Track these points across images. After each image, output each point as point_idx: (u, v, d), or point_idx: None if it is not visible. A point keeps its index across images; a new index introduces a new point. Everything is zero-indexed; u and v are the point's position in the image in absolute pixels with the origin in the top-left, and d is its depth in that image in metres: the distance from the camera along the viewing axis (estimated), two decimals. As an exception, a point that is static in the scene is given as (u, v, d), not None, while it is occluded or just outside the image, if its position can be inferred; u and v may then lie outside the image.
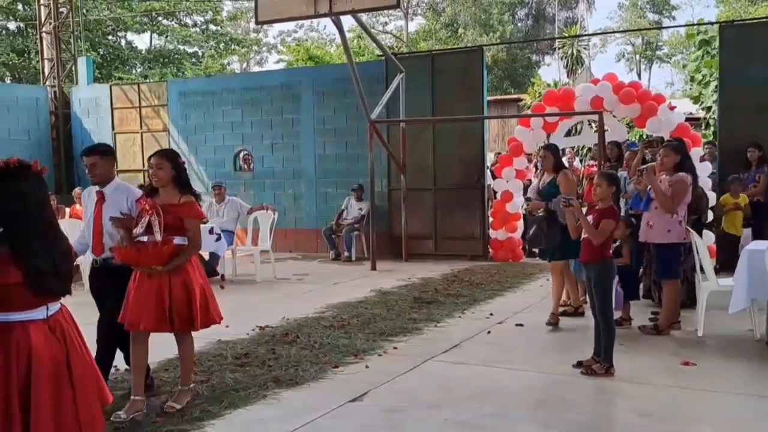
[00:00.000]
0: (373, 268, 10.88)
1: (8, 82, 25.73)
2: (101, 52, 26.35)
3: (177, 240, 4.46)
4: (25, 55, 25.36)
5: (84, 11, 21.86)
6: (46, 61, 16.09)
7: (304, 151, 13.23)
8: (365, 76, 11.18)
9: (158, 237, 4.37)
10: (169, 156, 4.66)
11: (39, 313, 2.82)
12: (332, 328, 6.85)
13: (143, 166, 14.63)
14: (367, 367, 5.57)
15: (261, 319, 7.18)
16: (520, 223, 11.41)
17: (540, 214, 6.88)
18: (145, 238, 4.41)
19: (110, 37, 28.18)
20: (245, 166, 14.12)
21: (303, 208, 13.30)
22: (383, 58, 12.45)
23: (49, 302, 2.86)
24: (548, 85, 23.23)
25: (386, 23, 43.84)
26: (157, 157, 4.62)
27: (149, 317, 4.42)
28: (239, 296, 9.05)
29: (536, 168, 11.28)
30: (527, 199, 7.15)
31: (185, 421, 4.40)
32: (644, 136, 13.17)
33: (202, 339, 6.38)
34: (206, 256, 10.16)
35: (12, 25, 26.92)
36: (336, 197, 12.82)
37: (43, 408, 2.73)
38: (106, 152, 4.88)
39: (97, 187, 4.83)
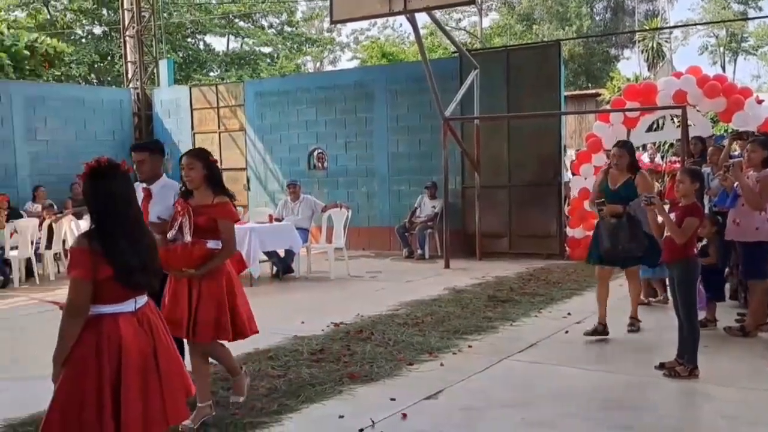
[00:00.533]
0: (447, 266, 10.82)
1: (93, 84, 26.75)
2: (181, 55, 27.10)
3: (210, 244, 4.25)
4: (109, 58, 26.31)
5: (165, 15, 22.50)
6: (129, 64, 16.63)
7: (377, 149, 13.28)
8: (439, 73, 11.13)
9: (188, 238, 4.22)
10: (200, 155, 4.40)
11: (128, 306, 2.92)
12: (406, 325, 6.85)
13: (220, 165, 14.93)
14: (442, 365, 5.54)
15: (335, 316, 7.24)
16: (598, 221, 11.12)
17: (613, 221, 6.14)
18: (178, 241, 4.27)
19: (189, 40, 28.95)
20: (319, 165, 14.26)
21: (376, 206, 13.35)
22: (457, 54, 12.37)
23: (136, 296, 2.96)
24: (628, 80, 22.65)
25: (460, 20, 43.55)
26: (187, 157, 4.38)
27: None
28: (314, 293, 9.17)
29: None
30: (601, 203, 6.21)
31: (263, 414, 4.48)
32: (729, 131, 12.67)
33: (278, 334, 6.51)
34: (282, 254, 10.35)
35: (97, 30, 27.97)
36: (409, 195, 12.81)
37: (133, 400, 2.82)
38: (155, 149, 4.79)
39: (144, 184, 4.74)
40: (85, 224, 11.06)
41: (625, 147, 6.40)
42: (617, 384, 5.06)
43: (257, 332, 4.51)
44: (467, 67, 11.82)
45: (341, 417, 4.44)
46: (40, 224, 10.84)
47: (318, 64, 39.30)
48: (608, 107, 14.22)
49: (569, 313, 7.25)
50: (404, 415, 4.43)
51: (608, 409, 4.55)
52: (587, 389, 4.95)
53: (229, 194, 4.45)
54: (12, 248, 10.26)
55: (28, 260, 10.52)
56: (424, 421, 4.38)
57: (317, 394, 4.85)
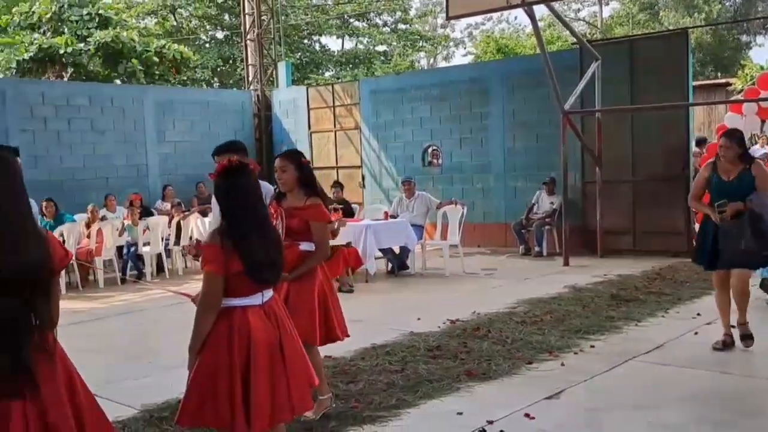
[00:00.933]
0: (566, 263, 10.53)
1: (215, 87, 27.86)
2: (298, 56, 27.80)
3: (303, 246, 4.19)
4: (230, 61, 27.34)
5: (282, 17, 23.12)
6: (250, 67, 17.21)
7: (492, 144, 13.10)
8: (558, 66, 10.83)
9: None
10: (292, 157, 4.34)
11: (256, 299, 3.03)
12: (524, 323, 6.71)
13: (336, 163, 15.26)
14: (562, 364, 5.39)
15: (451, 313, 7.18)
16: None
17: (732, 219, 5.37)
18: None
19: (306, 42, 29.64)
20: (434, 161, 14.24)
21: (492, 203, 13.18)
22: (577, 46, 12.01)
23: (263, 290, 3.06)
24: (761, 68, 21.26)
25: (579, 10, 42.28)
26: (280, 159, 4.32)
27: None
28: (429, 290, 9.15)
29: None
30: (723, 203, 5.41)
31: (382, 408, 4.50)
32: None
33: (394, 330, 6.55)
34: (397, 250, 10.40)
35: (219, 34, 29.13)
36: (526, 191, 12.56)
37: (261, 390, 2.92)
38: (237, 150, 4.58)
39: None
40: (210, 221, 11.55)
41: (734, 137, 5.70)
42: (753, 389, 4.76)
43: (348, 336, 4.48)
44: (588, 59, 11.46)
45: (459, 414, 4.40)
46: (169, 221, 11.41)
47: (431, 61, 39.30)
48: (740, 97, 13.41)
49: (699, 314, 6.87)
50: (530, 416, 4.33)
51: (744, 414, 4.28)
52: (720, 393, 4.68)
53: (322, 196, 4.38)
54: (144, 244, 10.84)
55: (159, 255, 11.09)
56: (545, 421, 4.27)
57: (435, 390, 4.83)
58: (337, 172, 15.08)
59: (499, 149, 13.01)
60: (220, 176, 3.05)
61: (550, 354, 5.65)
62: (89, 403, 2.52)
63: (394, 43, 30.69)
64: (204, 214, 11.86)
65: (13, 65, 17.84)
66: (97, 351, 6.45)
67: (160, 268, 11.19)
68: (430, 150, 14.16)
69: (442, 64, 39.85)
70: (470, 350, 5.79)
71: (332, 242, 8.93)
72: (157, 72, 19.24)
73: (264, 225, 3.08)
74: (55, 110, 13.03)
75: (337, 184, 11.89)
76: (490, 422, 4.22)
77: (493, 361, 5.46)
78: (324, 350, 5.70)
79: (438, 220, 10.94)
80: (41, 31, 18.90)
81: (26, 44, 17.67)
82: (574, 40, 12.24)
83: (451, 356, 5.63)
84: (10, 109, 12.47)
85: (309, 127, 15.78)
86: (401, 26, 31.09)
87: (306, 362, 3.20)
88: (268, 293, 3.09)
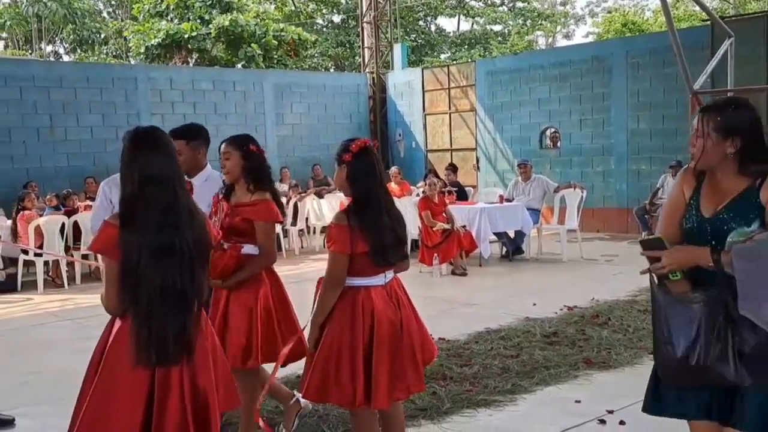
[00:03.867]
0: (692, 251, 9.99)
1: (332, 71, 28.27)
2: (413, 38, 27.74)
3: (246, 248, 3.50)
4: (346, 45, 27.65)
5: (399, -1, 23.11)
6: (366, 50, 17.32)
7: (614, 126, 12.61)
8: (687, 44, 10.23)
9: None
10: (237, 143, 3.65)
11: (378, 280, 3.07)
12: (647, 312, 6.39)
13: (450, 145, 15.15)
14: (688, 356, 5.12)
15: (568, 299, 6.99)
16: None
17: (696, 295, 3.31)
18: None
19: (421, 23, 29.51)
20: (551, 144, 13.88)
21: (612, 186, 12.71)
22: (708, 22, 11.33)
23: (386, 270, 3.09)
24: None
25: (708, -14, 40.03)
26: (224, 145, 3.67)
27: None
28: (545, 275, 8.96)
29: None
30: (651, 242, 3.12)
31: (497, 392, 4.44)
32: None
33: (509, 315, 6.45)
34: (512, 234, 10.20)
35: (336, 18, 29.48)
36: (650, 175, 12.02)
37: (383, 367, 2.97)
38: (190, 136, 3.99)
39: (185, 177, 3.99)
40: (325, 203, 11.77)
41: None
42: None
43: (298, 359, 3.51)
44: (719, 36, 10.77)
45: (578, 402, 4.28)
46: (287, 203, 11.68)
47: (550, 40, 38.24)
48: None
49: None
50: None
51: None
52: None
53: (272, 190, 3.65)
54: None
55: (277, 236, 11.36)
56: (670, 415, 4.06)
57: (551, 376, 4.72)
58: (452, 154, 14.98)
59: (621, 131, 12.51)
60: (357, 158, 3.04)
61: (675, 345, 5.38)
62: (223, 370, 2.69)
63: (511, 23, 30.06)
64: (320, 195, 12.09)
65: (142, 50, 18.78)
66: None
67: (278, 247, 11.49)
68: (548, 132, 13.81)
69: (562, 42, 38.68)
70: (589, 338, 5.61)
71: (445, 225, 8.99)
72: (275, 56, 19.72)
73: (389, 204, 3.10)
74: (182, 94, 13.60)
75: (451, 167, 11.80)
76: (610, 412, 4.07)
77: (614, 350, 5.27)
78: (438, 332, 5.71)
79: (555, 204, 10.66)
80: (168, 18, 19.78)
81: (155, 31, 18.53)
82: (704, 17, 11.55)
83: (569, 343, 5.48)
84: (142, 93, 13.14)
85: (423, 110, 15.74)
86: (519, 4, 30.40)
87: (422, 342, 3.21)
88: (390, 274, 3.13)
